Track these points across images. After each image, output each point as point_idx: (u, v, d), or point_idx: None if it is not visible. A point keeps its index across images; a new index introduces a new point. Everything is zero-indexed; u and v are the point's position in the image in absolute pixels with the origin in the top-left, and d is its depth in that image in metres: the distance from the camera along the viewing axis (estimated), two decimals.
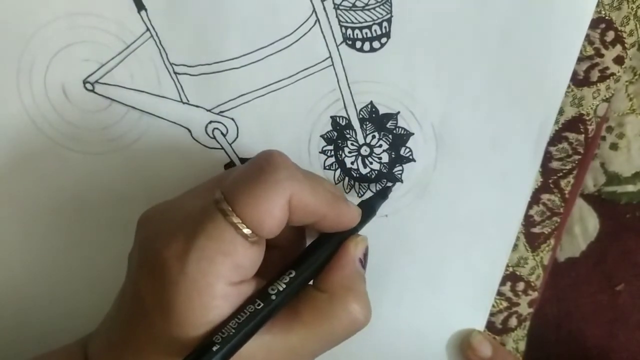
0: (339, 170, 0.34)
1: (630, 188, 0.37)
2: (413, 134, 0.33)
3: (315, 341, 0.26)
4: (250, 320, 0.24)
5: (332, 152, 0.33)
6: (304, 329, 0.26)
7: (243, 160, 0.33)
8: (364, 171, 0.34)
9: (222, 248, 0.24)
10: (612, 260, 0.37)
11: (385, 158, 0.33)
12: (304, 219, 0.26)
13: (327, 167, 0.34)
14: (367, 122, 0.33)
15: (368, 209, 0.30)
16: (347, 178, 0.34)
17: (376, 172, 0.34)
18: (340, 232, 0.28)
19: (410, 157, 0.33)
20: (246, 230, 0.24)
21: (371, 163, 0.34)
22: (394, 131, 0.33)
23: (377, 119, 0.33)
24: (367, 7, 0.31)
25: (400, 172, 0.34)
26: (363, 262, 0.28)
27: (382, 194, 0.33)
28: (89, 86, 0.32)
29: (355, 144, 0.33)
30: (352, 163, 0.34)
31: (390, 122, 0.33)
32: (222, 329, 0.24)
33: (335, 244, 0.28)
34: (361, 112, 0.33)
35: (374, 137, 0.33)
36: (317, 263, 0.27)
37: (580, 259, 0.37)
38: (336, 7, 0.31)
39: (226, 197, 0.24)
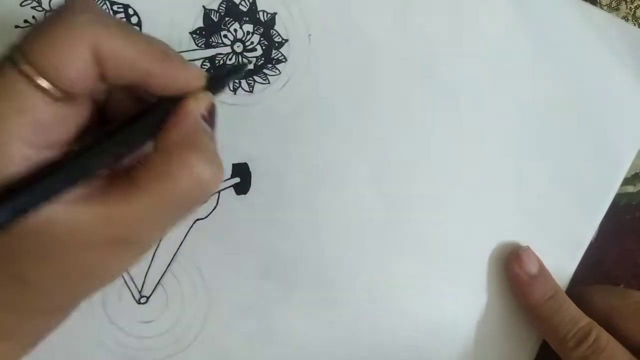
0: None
1: (629, 189, 0.37)
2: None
3: (158, 207, 0.23)
4: (45, 176, 0.21)
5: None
6: (142, 195, 0.23)
7: None
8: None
9: (14, 104, 0.21)
10: (611, 260, 0.37)
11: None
12: (121, 73, 0.23)
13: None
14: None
15: (215, 78, 0.26)
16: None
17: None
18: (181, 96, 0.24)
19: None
20: (42, 82, 0.21)
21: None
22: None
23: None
24: None
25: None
26: (209, 120, 0.25)
27: (235, 68, 0.30)
28: None
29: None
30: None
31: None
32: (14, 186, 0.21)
33: (173, 104, 0.24)
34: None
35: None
36: (148, 121, 0.24)
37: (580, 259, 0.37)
38: None
39: (19, 48, 0.21)
